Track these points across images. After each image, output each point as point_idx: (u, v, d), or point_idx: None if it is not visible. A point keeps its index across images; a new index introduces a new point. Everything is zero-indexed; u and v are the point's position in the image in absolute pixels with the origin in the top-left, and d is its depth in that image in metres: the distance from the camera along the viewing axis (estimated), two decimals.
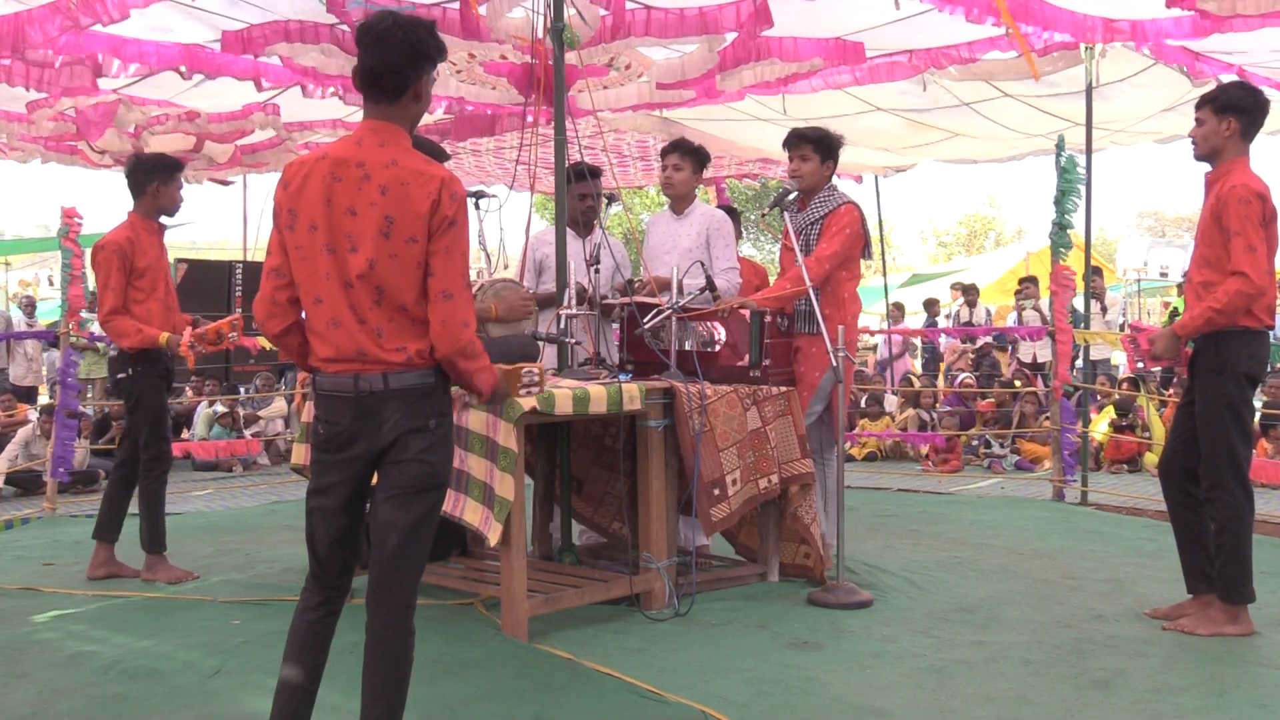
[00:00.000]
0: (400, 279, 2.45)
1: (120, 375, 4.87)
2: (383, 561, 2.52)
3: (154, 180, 4.87)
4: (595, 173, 5.16)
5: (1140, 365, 4.28)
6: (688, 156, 5.06)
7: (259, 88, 6.88)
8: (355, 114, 8.18)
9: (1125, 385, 9.60)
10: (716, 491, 4.30)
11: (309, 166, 2.49)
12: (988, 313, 13.61)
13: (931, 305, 14.27)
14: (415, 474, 2.49)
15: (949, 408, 10.18)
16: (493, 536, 3.74)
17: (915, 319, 17.44)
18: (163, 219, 5.01)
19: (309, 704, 2.59)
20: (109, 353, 4.90)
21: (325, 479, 2.55)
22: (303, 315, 2.58)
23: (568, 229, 5.06)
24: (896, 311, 13.87)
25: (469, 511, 3.88)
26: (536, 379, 2.81)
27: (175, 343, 4.76)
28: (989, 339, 11.93)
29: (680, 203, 5.11)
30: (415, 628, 2.57)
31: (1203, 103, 3.99)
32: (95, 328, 8.55)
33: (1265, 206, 3.81)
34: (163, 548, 4.95)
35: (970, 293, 13.38)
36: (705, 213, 5.13)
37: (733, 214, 6.14)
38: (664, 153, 5.18)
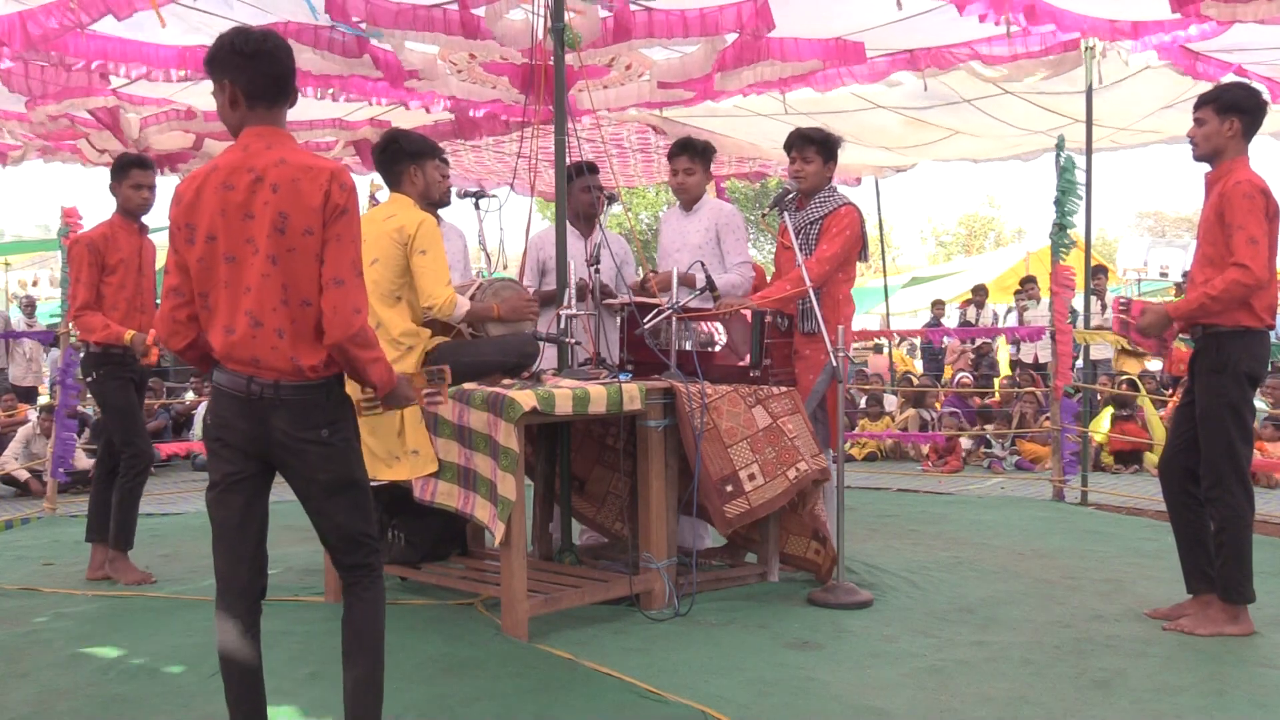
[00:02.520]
0: (301, 273, 2.50)
1: (88, 379, 4.91)
2: (332, 554, 2.69)
3: (111, 180, 4.93)
4: (594, 168, 5.18)
5: (1123, 332, 4.27)
6: (698, 158, 5.03)
7: None
8: (355, 112, 8.18)
9: (1124, 385, 9.60)
10: (729, 488, 4.27)
11: (200, 179, 2.55)
12: (995, 315, 13.61)
13: (937, 305, 14.28)
14: (324, 482, 2.60)
15: (950, 409, 10.19)
16: (499, 534, 3.76)
17: (914, 319, 17.42)
18: (144, 219, 5.02)
19: (261, 691, 2.67)
20: (80, 354, 4.91)
21: (217, 470, 2.61)
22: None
23: (570, 227, 5.08)
24: None
25: (479, 508, 3.90)
26: (438, 396, 2.79)
27: (140, 341, 4.75)
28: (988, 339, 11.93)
29: (692, 200, 5.10)
30: (385, 594, 2.71)
31: (1202, 102, 3.98)
32: None
33: (1269, 202, 3.81)
34: (128, 546, 4.94)
35: (979, 293, 13.36)
36: (714, 207, 5.11)
37: None
38: (671, 155, 5.11)
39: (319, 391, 2.57)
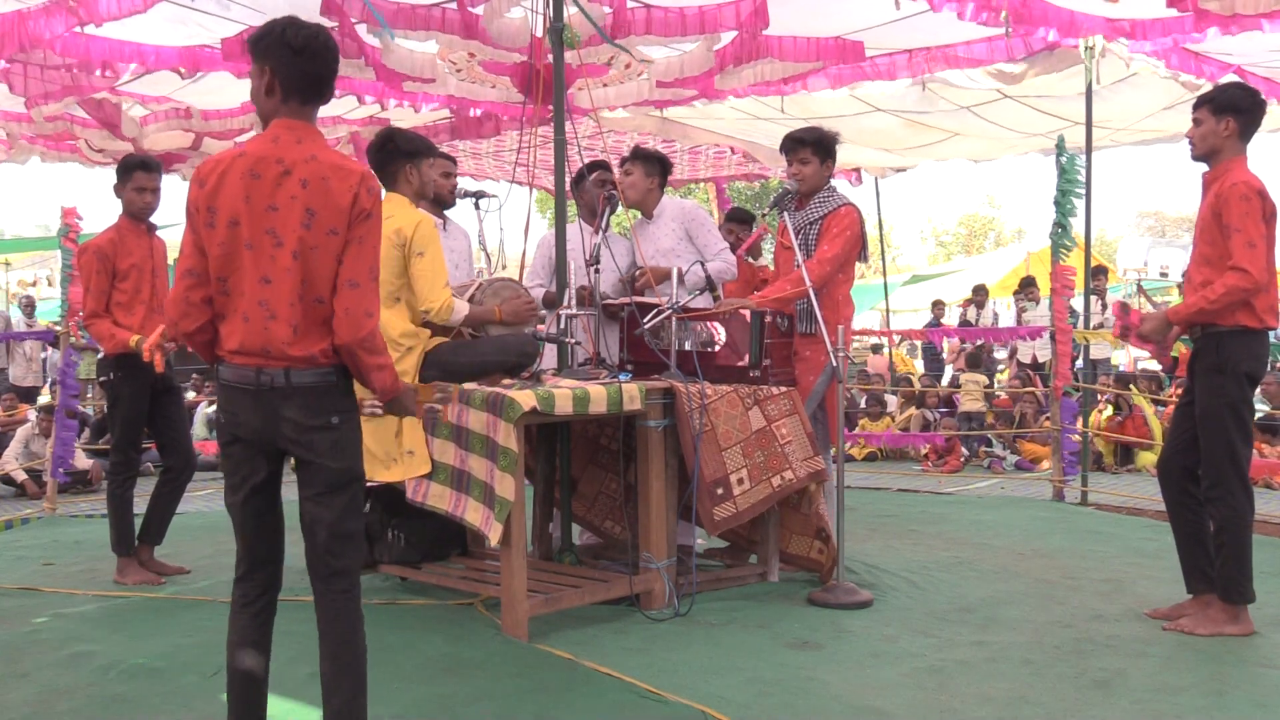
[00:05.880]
0: (321, 271, 2.50)
1: (103, 379, 4.90)
2: (316, 555, 2.63)
3: (116, 183, 4.91)
4: (607, 166, 5.27)
5: (1124, 338, 4.30)
6: (637, 162, 5.11)
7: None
8: (355, 110, 8.18)
9: (1115, 385, 9.61)
10: (720, 491, 4.28)
11: (225, 164, 2.52)
12: (995, 315, 13.59)
13: (937, 306, 14.29)
14: (329, 472, 2.56)
15: (944, 409, 10.19)
16: (493, 536, 3.75)
17: (916, 318, 17.39)
18: (152, 219, 5.00)
19: (263, 695, 2.67)
20: (99, 354, 4.92)
21: (235, 475, 2.61)
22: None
23: (580, 221, 5.11)
24: None
25: (470, 511, 3.88)
26: (440, 408, 2.77)
27: (141, 344, 4.68)
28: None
29: (644, 207, 5.14)
30: (364, 613, 2.64)
31: (1200, 103, 3.99)
32: None
33: (1265, 204, 3.81)
34: (130, 551, 4.92)
35: (979, 293, 13.37)
36: (675, 208, 5.15)
37: (748, 216, 6.41)
38: (620, 163, 5.23)
39: (330, 376, 2.55)
